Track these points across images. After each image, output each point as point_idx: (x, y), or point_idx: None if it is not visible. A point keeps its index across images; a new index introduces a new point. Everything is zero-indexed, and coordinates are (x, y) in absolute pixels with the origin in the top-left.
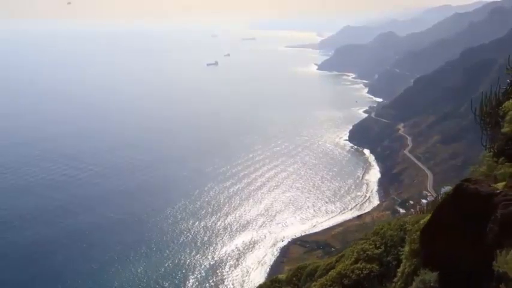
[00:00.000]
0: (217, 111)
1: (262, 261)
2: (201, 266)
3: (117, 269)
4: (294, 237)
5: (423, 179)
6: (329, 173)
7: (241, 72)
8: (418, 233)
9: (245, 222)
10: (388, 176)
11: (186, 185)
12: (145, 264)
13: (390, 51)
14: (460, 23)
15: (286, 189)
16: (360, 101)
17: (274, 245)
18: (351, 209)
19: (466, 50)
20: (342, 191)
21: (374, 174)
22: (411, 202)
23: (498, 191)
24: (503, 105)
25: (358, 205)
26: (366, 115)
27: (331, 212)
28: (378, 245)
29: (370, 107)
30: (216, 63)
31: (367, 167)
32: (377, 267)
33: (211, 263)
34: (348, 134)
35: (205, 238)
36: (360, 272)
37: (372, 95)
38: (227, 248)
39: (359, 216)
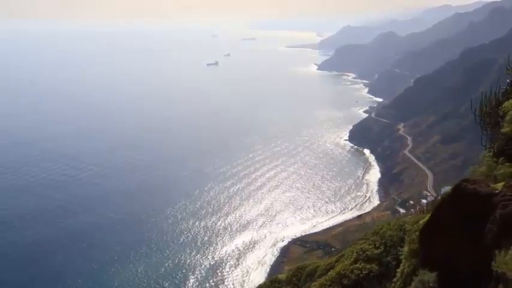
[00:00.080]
0: (217, 111)
1: (262, 261)
2: (201, 266)
3: (117, 269)
4: (294, 237)
5: (423, 179)
6: (329, 173)
7: (241, 72)
8: (418, 233)
9: (245, 222)
10: (388, 176)
11: (186, 185)
12: (145, 264)
13: (390, 51)
14: (460, 23)
15: (286, 189)
16: (360, 101)
17: (274, 245)
18: (351, 209)
19: (466, 50)
20: (342, 191)
21: (374, 174)
22: (411, 202)
23: (497, 191)
24: (503, 105)
25: (358, 205)
26: (366, 115)
27: (332, 212)
28: (377, 245)
29: (370, 107)
30: (216, 63)
31: (367, 167)
32: (376, 267)
33: (212, 263)
34: (348, 134)
35: (206, 238)
36: (359, 272)
37: (372, 95)
38: (227, 248)
39: (359, 216)
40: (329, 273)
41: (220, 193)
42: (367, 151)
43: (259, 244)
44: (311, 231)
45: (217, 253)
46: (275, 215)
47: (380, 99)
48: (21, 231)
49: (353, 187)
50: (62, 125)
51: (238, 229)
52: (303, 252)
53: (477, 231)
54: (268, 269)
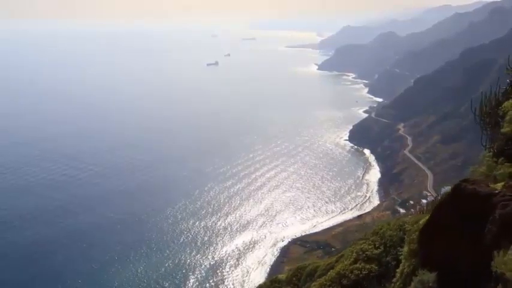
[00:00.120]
0: (217, 111)
1: (262, 261)
2: (201, 265)
3: (118, 269)
4: (294, 237)
5: (423, 179)
6: (329, 173)
7: (241, 72)
8: (417, 233)
9: (245, 222)
10: (388, 176)
11: (186, 185)
12: (145, 264)
13: (390, 51)
14: (460, 23)
15: (286, 189)
16: (360, 101)
17: (274, 245)
18: (351, 209)
19: (466, 50)
20: (342, 191)
21: (374, 174)
22: (411, 202)
23: (496, 191)
24: (502, 106)
25: (359, 205)
26: (366, 115)
27: (332, 212)
28: (377, 245)
29: (370, 107)
30: (216, 63)
31: (367, 167)
32: (376, 267)
33: (212, 262)
34: (348, 134)
35: (206, 238)
36: (359, 272)
37: (372, 95)
38: (227, 248)
39: (359, 216)
40: (329, 273)
41: (220, 193)
42: (367, 151)
43: (259, 244)
44: (311, 231)
45: (217, 253)
46: (275, 215)
47: (380, 99)
48: (21, 231)
49: (353, 187)
50: (62, 125)
51: (238, 229)
52: (303, 252)
53: (477, 232)
54: (268, 269)
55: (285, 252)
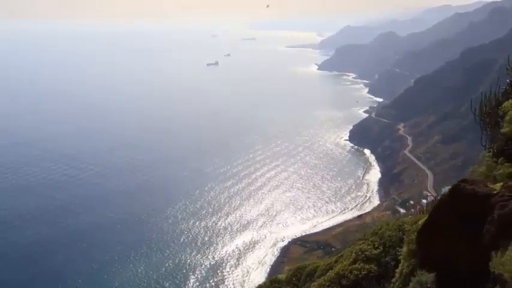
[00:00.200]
0: (217, 111)
1: (262, 261)
2: (201, 265)
3: (118, 269)
4: (295, 237)
5: (423, 179)
6: (329, 173)
7: (241, 72)
8: (416, 233)
9: (245, 222)
10: (389, 176)
11: (186, 185)
12: (145, 264)
13: (390, 51)
14: (460, 23)
15: (286, 189)
16: (360, 101)
17: (274, 245)
18: (351, 209)
19: (466, 50)
20: (343, 191)
21: (374, 174)
22: (411, 202)
23: (495, 192)
24: (502, 106)
25: (359, 205)
26: (366, 115)
27: (332, 212)
28: (376, 246)
29: (370, 107)
30: (216, 63)
31: (367, 167)
32: (375, 267)
33: (212, 262)
34: (348, 134)
35: (206, 238)
36: (358, 272)
37: (372, 95)
38: (227, 248)
39: (359, 216)
40: (328, 273)
41: (221, 193)
42: (367, 151)
43: (260, 244)
44: (311, 231)
45: (217, 253)
46: (275, 215)
47: (380, 99)
48: (21, 231)
49: (353, 187)
50: (62, 125)
51: (238, 229)
52: (303, 252)
53: (475, 232)
54: (268, 269)
55: (285, 252)
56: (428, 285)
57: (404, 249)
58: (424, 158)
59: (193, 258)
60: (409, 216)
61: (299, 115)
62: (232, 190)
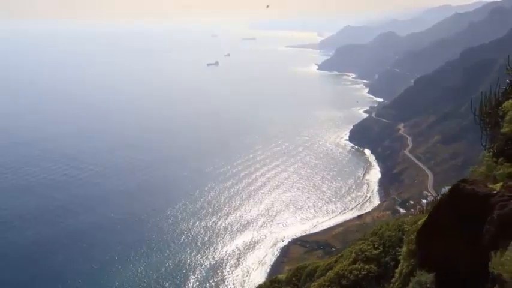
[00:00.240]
0: (217, 111)
1: (262, 261)
2: (201, 265)
3: (118, 269)
4: (295, 237)
5: (423, 179)
6: (329, 173)
7: (241, 72)
8: (416, 233)
9: (246, 222)
10: (389, 176)
11: (187, 185)
12: (145, 264)
13: (390, 51)
14: (460, 23)
15: (286, 189)
16: (360, 101)
17: (274, 245)
18: (351, 209)
19: (466, 50)
20: (343, 191)
21: (374, 174)
22: (411, 202)
23: (495, 192)
24: (502, 106)
25: (359, 205)
26: (367, 115)
27: (332, 212)
28: (376, 246)
29: (370, 107)
30: (216, 63)
31: (367, 167)
32: (375, 267)
33: (212, 262)
34: (348, 134)
35: (206, 238)
36: (357, 272)
37: (372, 95)
38: (228, 248)
39: (359, 216)
40: (327, 273)
41: (221, 193)
42: (367, 151)
43: (260, 244)
44: (311, 231)
45: (217, 253)
46: (275, 215)
47: (380, 99)
48: (21, 231)
49: (353, 187)
50: (62, 125)
51: (238, 229)
52: (303, 252)
53: (475, 232)
54: (268, 269)
55: (285, 252)
56: (428, 285)
57: (404, 249)
58: (424, 158)
59: (193, 258)
60: (409, 216)
61: (299, 115)
62: (232, 190)
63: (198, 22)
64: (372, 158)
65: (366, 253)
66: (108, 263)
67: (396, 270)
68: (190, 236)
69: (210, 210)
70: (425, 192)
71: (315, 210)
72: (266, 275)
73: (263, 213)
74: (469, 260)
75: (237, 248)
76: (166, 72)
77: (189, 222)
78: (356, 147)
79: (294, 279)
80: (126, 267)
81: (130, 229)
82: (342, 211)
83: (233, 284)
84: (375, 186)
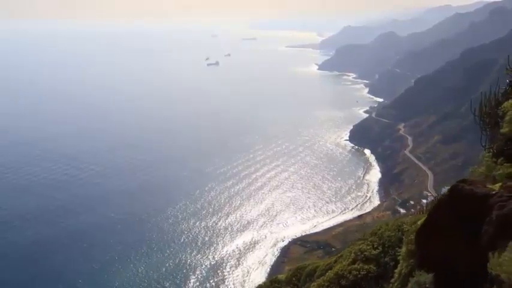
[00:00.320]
0: (217, 111)
1: (262, 261)
2: (201, 265)
3: (118, 269)
4: (295, 237)
5: (424, 179)
6: (330, 173)
7: (242, 72)
8: (415, 233)
9: (246, 222)
10: (389, 176)
11: (187, 185)
12: (146, 264)
13: (391, 51)
14: (461, 23)
15: (286, 189)
16: (360, 101)
17: (274, 245)
18: (351, 209)
19: (466, 50)
20: (343, 191)
21: (374, 174)
22: (412, 202)
23: (494, 192)
24: (502, 106)
25: (359, 205)
26: (367, 115)
27: (332, 212)
28: (375, 246)
29: (370, 107)
30: (216, 63)
31: (367, 167)
32: (374, 268)
33: (212, 262)
34: (348, 134)
35: (206, 238)
36: (357, 272)
37: (373, 95)
38: (228, 248)
39: (360, 216)
40: (327, 273)
41: (221, 193)
42: (367, 151)
43: (260, 244)
44: (311, 231)
45: (217, 253)
46: (276, 215)
47: (380, 99)
48: (21, 231)
49: (353, 187)
50: (62, 125)
51: (238, 229)
52: (303, 252)
53: (474, 232)
54: (268, 269)
55: (285, 252)
56: (427, 285)
57: (403, 249)
58: (424, 158)
59: (193, 258)
60: (409, 217)
61: (299, 115)
62: (232, 190)
63: (198, 22)
64: (372, 158)
65: (365, 253)
66: (108, 263)
67: (395, 271)
68: (191, 236)
69: (210, 210)
70: (425, 192)
71: (315, 210)
72: (266, 275)
73: (263, 213)
74: (468, 261)
75: (237, 248)
76: (166, 72)
77: (190, 222)
78: (356, 147)
79: (294, 279)
80: (126, 267)
81: (131, 229)
82: (342, 211)
83: (233, 284)
84: (375, 186)
